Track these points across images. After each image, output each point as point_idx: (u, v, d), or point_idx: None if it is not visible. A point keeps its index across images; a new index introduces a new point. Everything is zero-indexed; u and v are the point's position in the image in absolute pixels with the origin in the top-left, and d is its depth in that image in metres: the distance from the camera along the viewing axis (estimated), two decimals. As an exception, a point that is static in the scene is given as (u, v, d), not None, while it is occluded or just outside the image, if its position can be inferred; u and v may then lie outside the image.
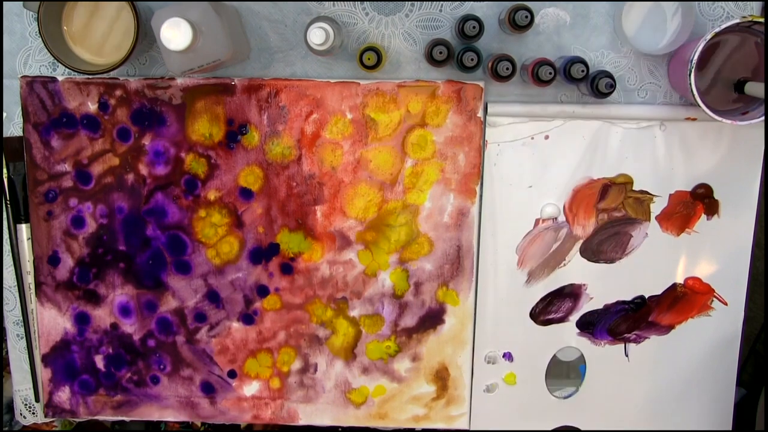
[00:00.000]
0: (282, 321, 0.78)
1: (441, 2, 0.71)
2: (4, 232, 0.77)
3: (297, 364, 0.79)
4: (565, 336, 0.79)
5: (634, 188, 0.75)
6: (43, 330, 0.79)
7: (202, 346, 0.79)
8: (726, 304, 0.78)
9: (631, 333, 0.79)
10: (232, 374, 0.79)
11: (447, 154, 0.74)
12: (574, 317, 0.78)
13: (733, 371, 0.79)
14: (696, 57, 0.63)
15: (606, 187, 0.75)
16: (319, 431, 0.85)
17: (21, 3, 0.70)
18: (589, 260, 0.77)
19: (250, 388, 0.80)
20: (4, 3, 0.72)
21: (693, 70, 0.63)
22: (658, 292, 0.77)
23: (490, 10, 0.71)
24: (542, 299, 0.78)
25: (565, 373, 0.80)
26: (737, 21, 0.63)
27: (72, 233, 0.76)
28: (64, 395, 0.80)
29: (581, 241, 0.76)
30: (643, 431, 0.81)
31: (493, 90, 0.74)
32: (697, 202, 0.75)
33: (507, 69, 0.66)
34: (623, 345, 0.79)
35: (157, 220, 0.76)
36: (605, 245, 0.76)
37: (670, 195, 0.75)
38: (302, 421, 0.81)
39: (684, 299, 0.77)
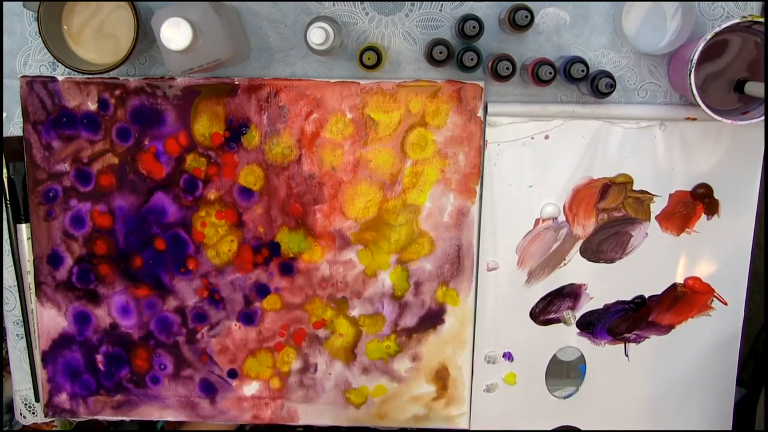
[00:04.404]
0: (282, 321, 0.78)
1: (441, 2, 0.71)
2: (4, 232, 0.77)
3: (297, 364, 0.79)
4: (565, 336, 0.79)
5: (634, 188, 0.75)
6: (43, 330, 0.79)
7: (202, 346, 0.79)
8: (726, 304, 0.78)
9: (631, 333, 0.79)
10: (233, 374, 0.79)
11: (447, 153, 0.74)
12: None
13: (733, 371, 0.79)
14: (696, 57, 0.63)
15: (606, 186, 0.75)
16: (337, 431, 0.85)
17: (21, 3, 0.70)
18: (589, 260, 0.77)
19: (250, 388, 0.80)
20: (4, 3, 0.72)
21: (693, 69, 0.64)
22: (658, 291, 0.77)
23: (490, 10, 0.71)
24: (542, 299, 0.78)
25: (565, 373, 0.80)
26: (737, 21, 0.63)
27: (72, 233, 0.76)
28: (64, 395, 0.80)
29: (581, 241, 0.76)
30: (643, 431, 0.81)
31: (493, 90, 0.74)
32: (697, 202, 0.75)
33: (507, 69, 0.66)
34: (623, 345, 0.79)
35: (157, 219, 0.76)
36: (605, 245, 0.76)
37: (670, 195, 0.75)
38: (302, 421, 0.81)
39: (684, 299, 0.77)
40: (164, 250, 0.77)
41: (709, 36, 0.63)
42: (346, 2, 0.71)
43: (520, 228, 0.76)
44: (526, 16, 0.65)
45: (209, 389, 0.80)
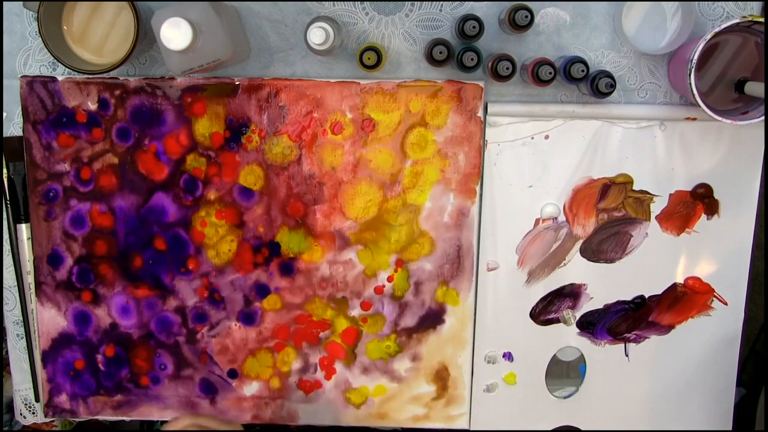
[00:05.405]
0: (282, 321, 0.78)
1: (441, 2, 0.71)
2: (4, 232, 0.77)
3: (297, 364, 0.79)
4: (565, 336, 0.79)
5: (634, 188, 0.75)
6: (43, 330, 0.79)
7: (202, 346, 0.79)
8: (726, 303, 0.78)
9: (631, 333, 0.79)
10: (233, 374, 0.79)
11: (447, 153, 0.74)
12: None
13: (733, 371, 0.79)
14: (696, 57, 0.63)
15: (606, 186, 0.75)
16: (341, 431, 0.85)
17: (21, 3, 0.70)
18: (589, 260, 0.77)
19: (250, 388, 0.80)
20: (4, 3, 0.72)
21: (693, 69, 0.63)
22: (658, 291, 0.77)
23: (490, 10, 0.71)
24: (542, 299, 0.78)
25: (565, 373, 0.80)
26: (737, 21, 0.63)
27: (72, 233, 0.76)
28: (64, 395, 0.80)
29: (581, 241, 0.76)
30: (643, 431, 0.81)
31: (493, 90, 0.74)
32: (697, 202, 0.75)
33: (507, 69, 0.66)
34: (623, 345, 0.79)
35: (157, 219, 0.76)
36: (605, 245, 0.76)
37: (670, 195, 0.75)
38: (302, 421, 0.81)
39: (684, 299, 0.77)
40: (164, 250, 0.77)
41: (709, 36, 0.63)
42: (346, 2, 0.71)
43: (520, 228, 0.76)
44: (526, 16, 0.65)
45: (209, 389, 0.80)
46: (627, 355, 0.79)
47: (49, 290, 0.78)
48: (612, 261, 0.77)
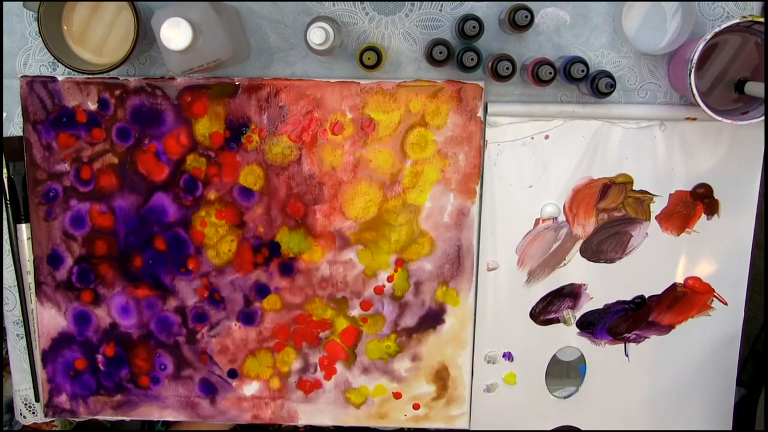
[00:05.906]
0: (282, 321, 0.78)
1: (441, 2, 0.71)
2: (4, 232, 0.77)
3: (297, 364, 0.79)
4: (565, 336, 0.79)
5: (634, 188, 0.75)
6: (43, 330, 0.79)
7: (202, 346, 0.79)
8: (726, 303, 0.78)
9: (631, 333, 0.79)
10: (233, 374, 0.79)
11: (447, 153, 0.74)
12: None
13: (733, 371, 0.79)
14: (696, 57, 0.63)
15: (606, 186, 0.75)
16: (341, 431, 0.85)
17: (21, 3, 0.70)
18: (589, 260, 0.77)
19: (250, 388, 0.80)
20: (4, 3, 0.72)
21: (693, 69, 0.64)
22: (658, 291, 0.77)
23: (490, 10, 0.71)
24: (542, 299, 0.78)
25: (565, 373, 0.80)
26: (737, 21, 0.63)
27: (72, 233, 0.76)
28: (64, 395, 0.80)
29: (581, 241, 0.76)
30: (643, 431, 0.81)
31: (493, 90, 0.74)
32: (697, 202, 0.75)
33: (507, 69, 0.66)
34: (623, 345, 0.79)
35: (157, 219, 0.76)
36: (605, 245, 0.76)
37: (670, 195, 0.75)
38: (302, 421, 0.81)
39: (684, 299, 0.77)
40: (164, 250, 0.77)
41: (709, 36, 0.63)
42: (346, 2, 0.71)
43: (520, 228, 0.76)
44: (526, 16, 0.65)
45: (209, 389, 0.80)
46: (627, 355, 0.79)
47: (49, 290, 0.78)
48: (612, 261, 0.77)
